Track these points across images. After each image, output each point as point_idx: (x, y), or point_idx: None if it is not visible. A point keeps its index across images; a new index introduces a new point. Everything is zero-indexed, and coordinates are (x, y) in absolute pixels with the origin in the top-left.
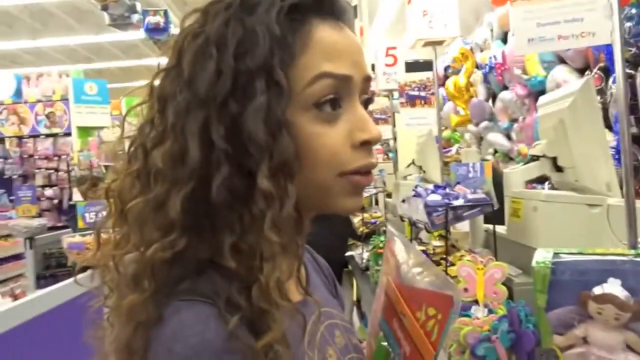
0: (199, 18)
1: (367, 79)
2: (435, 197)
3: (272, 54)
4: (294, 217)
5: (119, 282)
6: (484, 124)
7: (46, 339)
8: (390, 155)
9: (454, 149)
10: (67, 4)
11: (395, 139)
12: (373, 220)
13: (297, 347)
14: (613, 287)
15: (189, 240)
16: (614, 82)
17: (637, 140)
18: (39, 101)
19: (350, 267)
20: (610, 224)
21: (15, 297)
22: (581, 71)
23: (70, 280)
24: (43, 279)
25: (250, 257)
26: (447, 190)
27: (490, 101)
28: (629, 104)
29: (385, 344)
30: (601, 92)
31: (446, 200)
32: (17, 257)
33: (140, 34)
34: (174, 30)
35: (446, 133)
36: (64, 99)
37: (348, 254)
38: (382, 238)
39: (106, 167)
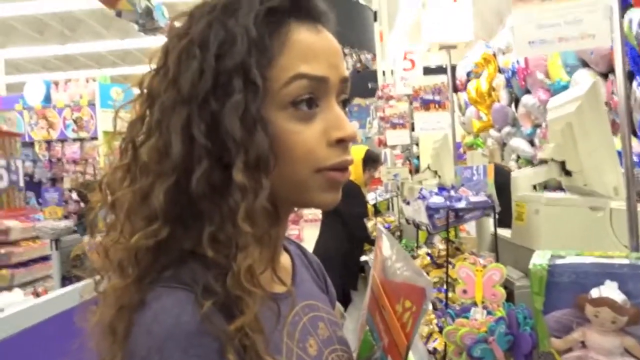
0: (185, 20)
1: (344, 80)
2: (437, 199)
3: (249, 55)
4: (269, 210)
5: (109, 268)
6: (507, 129)
7: (65, 337)
8: (414, 162)
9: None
10: (95, 11)
11: (417, 144)
12: (387, 225)
13: (273, 334)
14: (610, 290)
15: (172, 229)
16: (638, 86)
17: None
18: (67, 106)
19: (365, 272)
20: (613, 227)
21: (37, 295)
22: (605, 75)
23: (89, 280)
24: (68, 280)
25: (227, 246)
26: (452, 192)
27: (513, 106)
28: None
29: (369, 336)
30: (617, 90)
31: (448, 203)
32: (45, 258)
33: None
34: None
35: (469, 139)
36: (91, 104)
37: (363, 258)
38: None
39: None
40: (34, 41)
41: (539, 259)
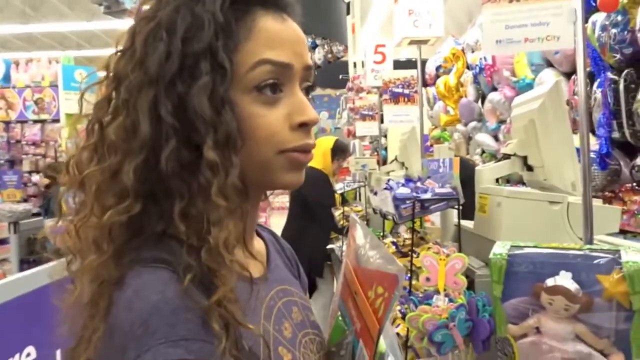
0: (153, 4)
1: (307, 68)
2: (403, 190)
3: (216, 39)
4: (239, 186)
5: (81, 247)
6: (473, 124)
7: (24, 321)
8: (382, 153)
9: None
10: None
11: (385, 136)
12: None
13: (251, 314)
14: (564, 279)
15: (143, 206)
16: (598, 86)
17: (619, 145)
18: (27, 86)
19: (332, 259)
20: (570, 220)
21: None
22: (568, 75)
23: (52, 263)
24: (26, 264)
25: (198, 221)
26: (418, 184)
27: (480, 102)
28: (612, 109)
29: (341, 322)
30: (578, 91)
31: (414, 194)
32: (2, 241)
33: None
34: None
35: (436, 132)
36: (53, 86)
37: (329, 246)
38: None
39: None
40: None
41: (499, 249)
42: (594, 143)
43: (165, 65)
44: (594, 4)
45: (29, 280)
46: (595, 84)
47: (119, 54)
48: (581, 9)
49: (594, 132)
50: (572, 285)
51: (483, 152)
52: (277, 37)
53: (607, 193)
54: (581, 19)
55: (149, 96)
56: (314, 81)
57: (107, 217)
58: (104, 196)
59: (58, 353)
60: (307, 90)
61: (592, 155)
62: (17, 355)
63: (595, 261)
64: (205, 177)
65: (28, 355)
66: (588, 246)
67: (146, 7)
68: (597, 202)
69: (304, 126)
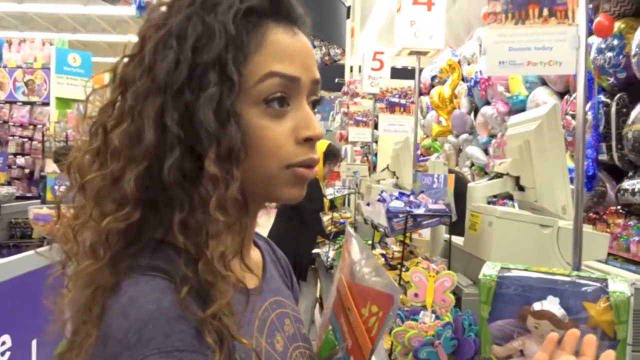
0: (164, 11)
1: (315, 82)
2: (397, 204)
3: (226, 51)
4: (240, 200)
5: (78, 251)
6: (464, 136)
7: (1, 309)
8: (372, 159)
9: (432, 157)
10: None
11: (376, 141)
12: (342, 220)
13: (245, 327)
14: (551, 304)
15: (142, 214)
16: (590, 109)
17: (606, 167)
18: (19, 67)
19: (316, 264)
20: (559, 245)
21: None
22: (561, 95)
23: (32, 252)
24: (6, 249)
25: (197, 233)
26: (411, 198)
27: (472, 115)
28: (602, 131)
29: (332, 336)
30: (575, 117)
31: (407, 208)
32: None
33: (131, 10)
34: None
35: (427, 141)
36: (45, 68)
37: (315, 251)
38: None
39: None
40: None
41: (489, 270)
42: None
43: (173, 73)
44: (590, 27)
45: (6, 269)
46: (588, 106)
47: (127, 59)
48: (585, 36)
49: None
50: (559, 311)
51: (472, 164)
52: (287, 50)
53: (591, 214)
54: (584, 45)
55: (156, 104)
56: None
57: (105, 224)
58: (104, 202)
59: (34, 343)
60: (314, 104)
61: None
62: None
63: (583, 288)
64: (205, 189)
65: (3, 343)
66: (576, 273)
67: (155, 13)
68: (587, 228)
69: (309, 141)
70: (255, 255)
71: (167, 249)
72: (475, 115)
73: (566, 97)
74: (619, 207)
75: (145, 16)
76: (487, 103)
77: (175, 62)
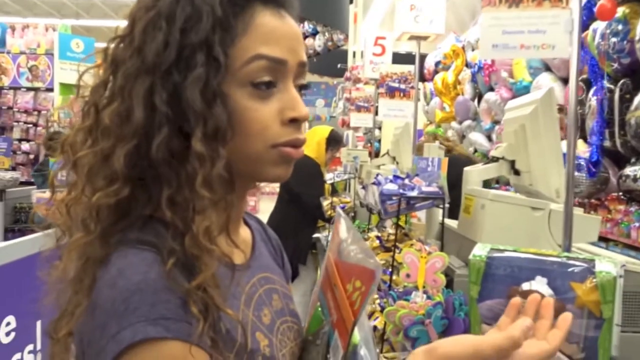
0: None
1: (302, 65)
2: (391, 186)
3: (213, 32)
4: (225, 177)
5: (70, 225)
6: (467, 122)
7: (6, 290)
8: (375, 145)
9: (436, 144)
10: None
11: (380, 128)
12: (342, 205)
13: (231, 300)
14: (539, 284)
15: (132, 190)
16: (594, 94)
17: (609, 154)
18: (22, 53)
19: (317, 248)
20: (550, 227)
21: None
22: (565, 80)
23: (38, 234)
24: (11, 233)
25: (184, 208)
26: (406, 181)
27: (476, 101)
28: (606, 117)
29: (320, 312)
30: (581, 103)
31: (401, 191)
32: None
33: None
34: None
35: (430, 128)
36: (49, 54)
37: (315, 235)
38: None
39: None
40: None
41: (479, 251)
42: (586, 150)
43: (162, 54)
44: (595, 12)
45: (12, 250)
46: (591, 92)
47: (117, 39)
48: (578, 20)
49: (585, 139)
50: (547, 291)
51: (475, 150)
52: (274, 33)
53: (593, 200)
54: (577, 29)
55: (145, 84)
56: (313, 68)
57: (95, 199)
58: (95, 178)
59: (38, 324)
60: (300, 88)
61: (581, 162)
62: None
63: (570, 269)
64: (192, 166)
65: (8, 324)
66: (565, 254)
67: None
68: (578, 211)
69: (295, 122)
70: (244, 233)
71: (155, 224)
72: (479, 102)
73: (569, 83)
74: (620, 193)
75: None
76: (491, 89)
77: (164, 43)
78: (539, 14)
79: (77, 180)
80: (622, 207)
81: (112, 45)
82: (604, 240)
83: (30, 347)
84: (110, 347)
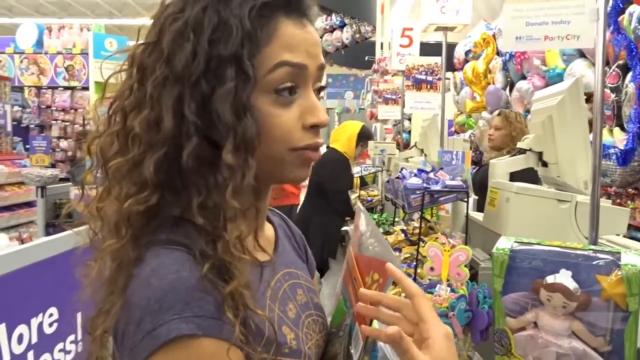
0: (178, 1)
1: (321, 68)
2: (415, 180)
3: (242, 46)
4: (254, 186)
5: (102, 228)
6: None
7: (49, 283)
8: (404, 136)
9: (467, 134)
10: None
11: (409, 119)
12: (369, 198)
13: (259, 297)
14: (564, 277)
15: (161, 196)
16: (631, 80)
17: None
18: (59, 53)
19: (346, 242)
20: (577, 220)
21: (22, 242)
22: None
23: (77, 229)
24: (52, 227)
25: (214, 214)
26: (431, 174)
27: (508, 90)
28: None
29: (342, 304)
30: (617, 89)
31: (424, 185)
32: (29, 204)
33: None
34: None
35: (461, 118)
36: (84, 53)
37: (344, 229)
38: (375, 216)
39: None
40: None
41: (503, 244)
42: (623, 138)
43: (191, 65)
44: None
45: (54, 244)
46: (629, 77)
47: (143, 46)
48: (604, 9)
49: (622, 127)
50: (571, 284)
51: None
52: (295, 40)
53: (630, 190)
54: (603, 18)
55: (174, 93)
56: (341, 60)
57: (127, 205)
58: (125, 183)
59: (79, 316)
60: (319, 90)
61: (614, 151)
62: (40, 315)
63: (596, 262)
64: (223, 176)
65: (51, 315)
66: (590, 246)
67: (169, 0)
68: (605, 203)
69: (315, 127)
70: (268, 230)
71: (185, 225)
72: (511, 91)
73: (605, 68)
74: None
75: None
76: (523, 77)
77: (192, 53)
78: (563, 3)
79: (107, 183)
80: None
81: (139, 52)
82: None
83: (72, 337)
84: (145, 344)
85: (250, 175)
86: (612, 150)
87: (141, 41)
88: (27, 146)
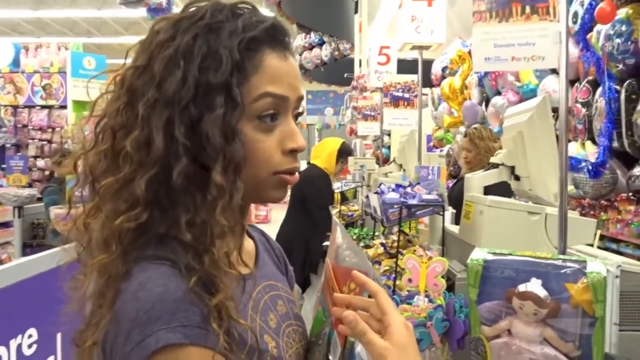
0: (169, 28)
1: (300, 99)
2: (392, 195)
3: (231, 75)
4: (241, 205)
5: (90, 244)
6: (475, 127)
7: (27, 304)
8: (384, 151)
9: (445, 149)
10: None
11: (389, 134)
12: (350, 213)
13: (241, 307)
14: (534, 286)
15: (151, 214)
16: (601, 95)
17: (618, 155)
18: (36, 72)
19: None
20: (547, 231)
21: (0, 263)
22: (572, 82)
23: (56, 249)
24: (29, 248)
25: (202, 232)
26: (408, 189)
27: (484, 105)
28: (613, 118)
29: (321, 314)
30: (588, 104)
31: (402, 199)
32: (6, 224)
33: (143, 11)
34: (176, 10)
35: (439, 133)
36: (62, 72)
37: (325, 243)
38: (355, 231)
39: None
40: (5, 3)
41: (477, 255)
42: (594, 151)
43: (181, 90)
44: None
45: (31, 265)
46: (598, 92)
47: (133, 69)
48: (565, 32)
49: (594, 140)
50: (542, 292)
51: None
52: (279, 73)
53: (602, 202)
54: (565, 41)
55: (164, 116)
56: (320, 77)
57: (118, 222)
58: (115, 201)
59: (59, 336)
60: (296, 116)
61: (585, 164)
62: (19, 336)
63: (564, 270)
64: (212, 196)
65: (30, 336)
66: (559, 256)
67: (159, 26)
68: (573, 214)
69: (293, 152)
70: (248, 245)
71: (170, 241)
72: (487, 106)
73: (576, 84)
74: (630, 193)
75: (151, 26)
76: (498, 93)
77: (182, 79)
78: (528, 27)
79: (96, 200)
80: (632, 208)
81: (129, 74)
82: (615, 241)
83: (51, 358)
84: (134, 354)
85: (239, 195)
86: (583, 164)
87: (129, 62)
88: (4, 166)
